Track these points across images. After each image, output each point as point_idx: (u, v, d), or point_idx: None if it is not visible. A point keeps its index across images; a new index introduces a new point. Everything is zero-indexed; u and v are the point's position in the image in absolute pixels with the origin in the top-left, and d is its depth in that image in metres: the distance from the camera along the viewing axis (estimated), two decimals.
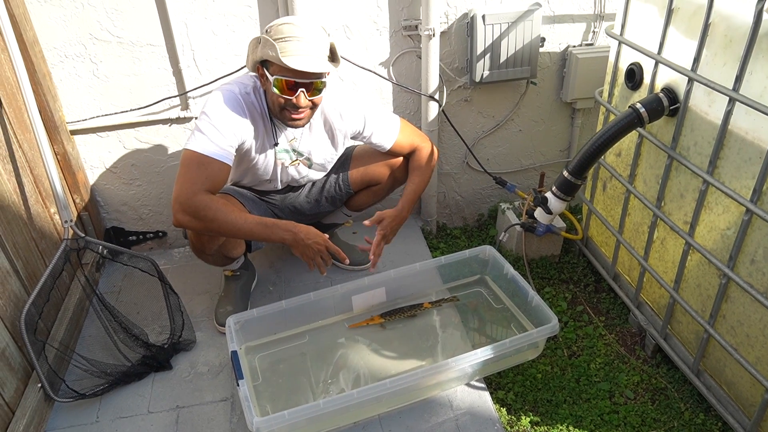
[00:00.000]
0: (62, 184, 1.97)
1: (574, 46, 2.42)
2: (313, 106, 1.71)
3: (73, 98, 2.14)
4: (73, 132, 2.19)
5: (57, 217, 2.05)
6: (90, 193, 2.30)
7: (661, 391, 1.90)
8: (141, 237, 2.50)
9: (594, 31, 2.41)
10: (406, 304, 2.09)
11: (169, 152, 2.32)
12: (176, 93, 2.19)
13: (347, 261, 1.87)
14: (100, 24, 2.03)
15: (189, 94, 2.19)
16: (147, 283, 2.26)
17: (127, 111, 2.19)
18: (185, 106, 2.23)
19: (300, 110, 1.68)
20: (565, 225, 2.45)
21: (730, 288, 1.64)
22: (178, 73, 2.15)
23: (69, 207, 1.90)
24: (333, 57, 1.66)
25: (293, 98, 1.64)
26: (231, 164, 1.67)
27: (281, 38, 1.57)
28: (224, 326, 2.03)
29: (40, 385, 1.70)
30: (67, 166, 2.14)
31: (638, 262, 2.06)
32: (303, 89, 1.63)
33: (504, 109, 2.52)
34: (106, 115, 2.18)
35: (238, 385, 1.62)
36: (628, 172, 2.06)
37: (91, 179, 2.31)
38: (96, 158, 2.28)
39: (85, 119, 2.17)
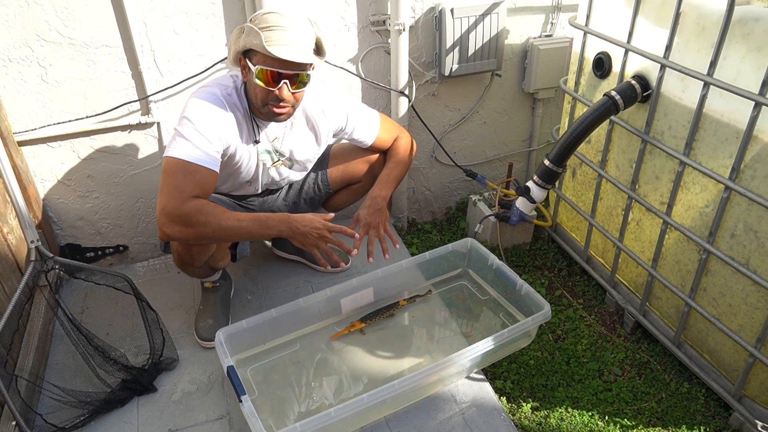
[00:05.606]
0: (25, 201, 1.79)
1: (535, 38, 2.48)
2: (295, 101, 1.65)
3: (19, 106, 1.95)
4: (21, 143, 2.00)
5: (11, 237, 1.86)
6: (42, 208, 2.12)
7: (645, 365, 1.99)
8: (100, 253, 2.32)
9: (552, 23, 2.48)
10: (383, 305, 2.07)
11: (129, 161, 2.17)
12: (136, 97, 2.05)
13: (355, 252, 1.75)
14: (49, 24, 1.86)
15: (150, 98, 2.05)
16: (114, 300, 2.12)
17: (81, 118, 2.03)
18: (146, 111, 2.09)
19: (282, 103, 1.62)
20: (536, 213, 2.51)
21: (710, 262, 1.73)
22: (137, 75, 2.01)
23: (33, 225, 1.73)
24: (319, 51, 1.61)
25: (276, 90, 1.57)
26: (218, 171, 1.58)
27: (266, 27, 1.51)
28: (207, 341, 1.94)
29: (14, 422, 1.54)
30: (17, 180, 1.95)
31: (612, 244, 2.15)
32: (286, 81, 1.57)
33: (469, 102, 2.55)
34: (57, 123, 2.01)
35: (240, 401, 1.54)
36: (599, 158, 2.13)
37: (43, 193, 2.13)
38: (47, 170, 2.09)
39: (35, 129, 1.99)
